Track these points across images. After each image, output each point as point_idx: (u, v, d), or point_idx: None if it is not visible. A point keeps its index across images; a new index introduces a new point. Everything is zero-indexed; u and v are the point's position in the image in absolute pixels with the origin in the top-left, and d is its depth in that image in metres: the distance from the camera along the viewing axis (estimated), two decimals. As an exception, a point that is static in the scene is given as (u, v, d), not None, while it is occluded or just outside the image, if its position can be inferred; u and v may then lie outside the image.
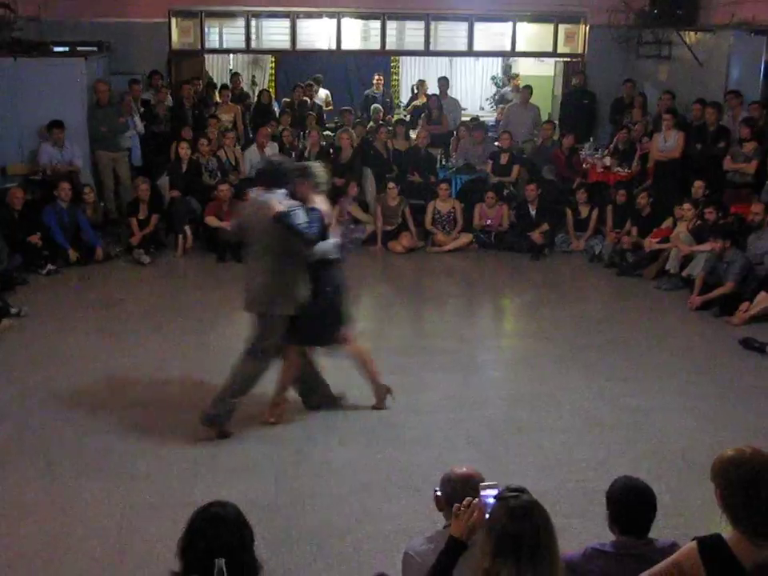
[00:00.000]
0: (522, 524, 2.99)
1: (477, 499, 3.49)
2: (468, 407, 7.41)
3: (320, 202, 6.73)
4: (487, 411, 7.35)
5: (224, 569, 3.14)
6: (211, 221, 11.64)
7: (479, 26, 15.71)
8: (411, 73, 21.82)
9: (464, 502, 3.52)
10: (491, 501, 3.46)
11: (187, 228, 11.97)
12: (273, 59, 20.49)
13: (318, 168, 6.96)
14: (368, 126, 15.21)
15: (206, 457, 6.49)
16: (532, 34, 16.04)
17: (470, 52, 16.27)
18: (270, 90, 18.03)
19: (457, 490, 3.74)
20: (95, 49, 14.10)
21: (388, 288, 11.18)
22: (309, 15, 15.69)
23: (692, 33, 13.47)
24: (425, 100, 16.51)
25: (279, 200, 6.56)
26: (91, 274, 11.15)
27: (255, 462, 6.43)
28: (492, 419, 7.19)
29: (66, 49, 13.98)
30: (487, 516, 3.41)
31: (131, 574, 5.12)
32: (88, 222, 11.55)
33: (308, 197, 6.67)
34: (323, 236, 6.72)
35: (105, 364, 8.22)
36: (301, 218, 6.47)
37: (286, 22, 15.61)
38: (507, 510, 3.03)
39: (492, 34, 16.14)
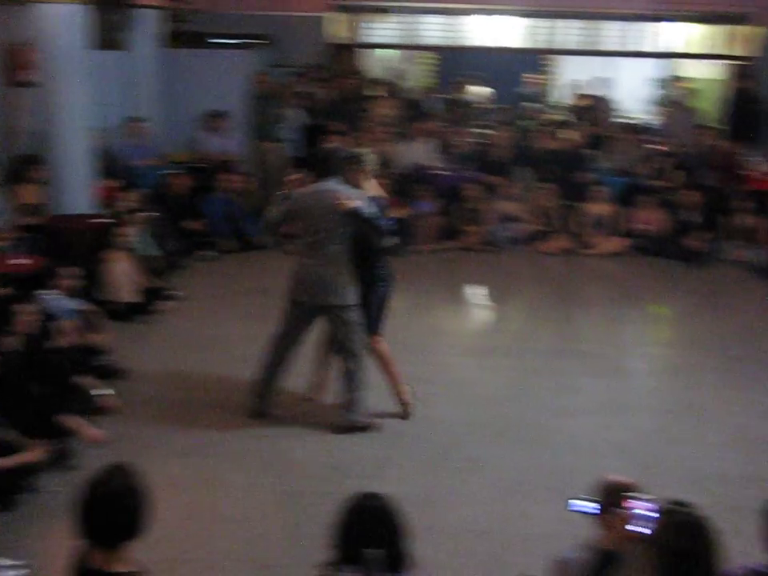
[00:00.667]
0: (689, 540, 2.89)
1: (628, 510, 3.41)
2: (618, 414, 7.27)
3: (373, 188, 6.84)
4: (638, 419, 7.20)
5: (380, 559, 3.16)
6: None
7: (643, 26, 15.37)
8: (567, 72, 21.51)
9: (616, 513, 3.44)
10: (647, 512, 3.38)
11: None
12: (430, 55, 20.51)
13: (370, 155, 6.98)
14: (523, 125, 15.08)
15: (353, 448, 6.56)
16: (699, 35, 15.58)
17: (632, 52, 15.94)
18: (427, 86, 18.02)
19: (611, 499, 3.65)
20: (258, 41, 14.40)
21: (540, 290, 11.04)
22: (468, 12, 15.64)
23: None
24: (582, 100, 16.25)
25: (341, 190, 6.56)
26: (248, 261, 11.41)
27: (403, 456, 6.46)
28: (642, 428, 7.04)
29: (230, 41, 14.32)
30: (642, 529, 3.33)
31: (277, 557, 5.21)
32: (246, 212, 11.82)
33: (360, 184, 6.72)
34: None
35: (258, 349, 8.36)
36: (369, 208, 6.54)
37: (446, 19, 15.60)
38: (675, 526, 2.94)
39: (656, 35, 15.76)
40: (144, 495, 3.20)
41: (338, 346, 6.90)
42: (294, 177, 7.20)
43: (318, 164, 6.84)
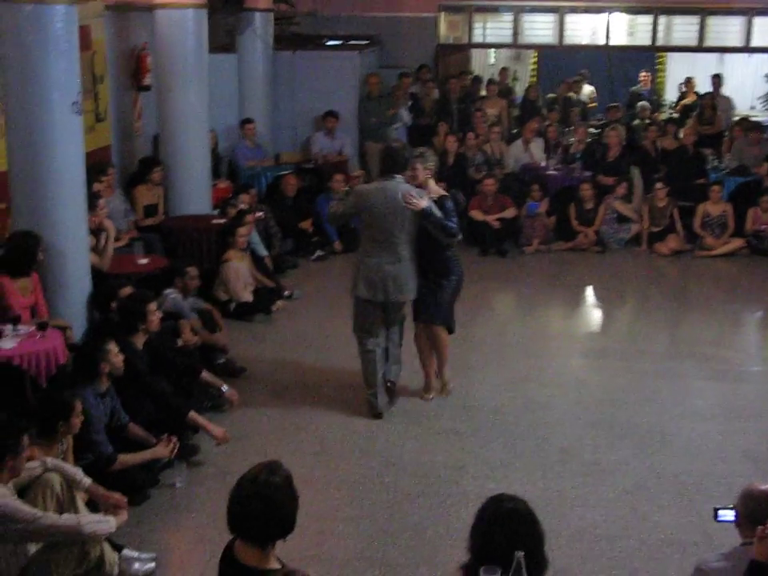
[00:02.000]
0: None
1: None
2: (743, 418, 7.09)
3: (434, 189, 6.90)
4: (764, 424, 7.01)
5: (522, 563, 3.13)
6: (476, 214, 11.69)
7: (758, 21, 14.97)
8: (677, 69, 21.11)
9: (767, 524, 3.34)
10: None
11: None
12: (535, 54, 20.35)
13: (430, 153, 7.20)
14: (634, 124, 14.87)
15: (473, 448, 6.54)
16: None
17: (746, 48, 15.54)
18: (535, 85, 17.89)
19: (761, 508, 3.54)
20: (367, 42, 14.49)
21: (653, 291, 10.83)
22: (575, 10, 15.46)
23: None
24: (694, 98, 15.94)
25: (408, 188, 6.66)
26: (357, 261, 11.45)
27: (522, 458, 6.41)
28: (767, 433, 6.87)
29: (340, 42, 14.44)
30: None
31: (401, 557, 5.21)
32: (356, 211, 11.87)
33: (425, 182, 6.82)
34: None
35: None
36: (436, 209, 6.67)
37: (552, 17, 15.46)
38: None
39: (769, 29, 15.35)
40: (295, 495, 3.23)
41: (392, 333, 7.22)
42: (357, 173, 7.32)
43: (383, 161, 6.93)
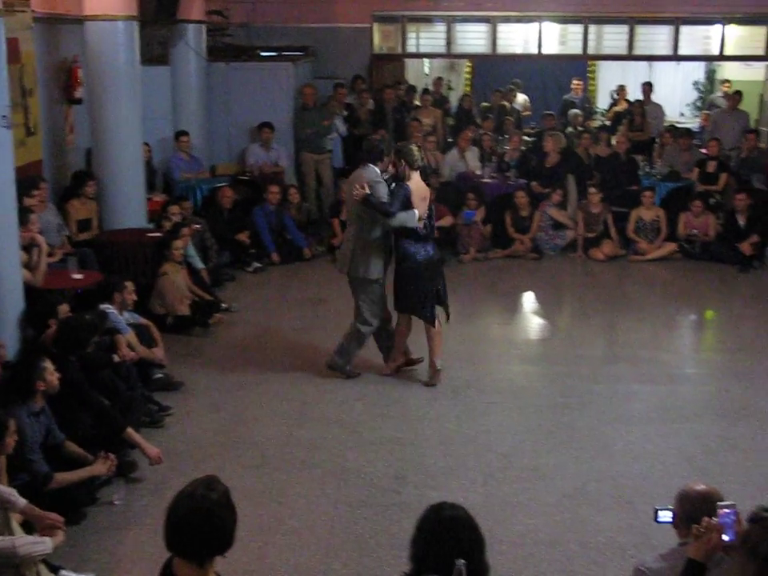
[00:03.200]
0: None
1: (715, 519, 3.35)
2: (679, 420, 7.20)
3: (414, 179, 7.51)
4: (699, 426, 7.11)
5: (464, 570, 3.13)
6: (412, 223, 11.73)
7: (685, 29, 15.25)
8: (608, 77, 21.41)
9: (703, 523, 3.38)
10: (730, 520, 3.33)
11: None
12: (469, 64, 20.50)
13: (413, 148, 7.69)
14: (567, 132, 15.03)
15: (414, 457, 6.55)
16: (741, 37, 15.43)
17: (674, 56, 15.82)
18: (470, 94, 18.01)
19: (696, 508, 3.58)
20: (301, 53, 14.48)
21: (589, 296, 10.95)
22: (508, 20, 15.61)
23: None
24: (625, 105, 16.17)
25: (370, 175, 7.50)
26: (295, 272, 11.43)
27: (463, 465, 6.43)
28: (704, 434, 6.95)
29: (274, 53, 14.40)
30: (726, 537, 3.28)
31: (344, 568, 5.19)
32: (294, 223, 11.85)
33: (406, 174, 7.47)
34: (405, 208, 7.43)
35: (311, 360, 8.40)
36: (382, 192, 7.45)
37: (485, 27, 15.59)
38: (768, 532, 2.89)
39: (698, 37, 15.63)
40: (233, 510, 3.19)
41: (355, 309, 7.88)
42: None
43: (361, 153, 7.81)
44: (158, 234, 9.60)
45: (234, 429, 7.00)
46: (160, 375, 7.65)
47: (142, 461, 6.19)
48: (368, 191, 7.36)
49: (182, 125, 12.39)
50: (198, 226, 10.53)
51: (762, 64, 15.92)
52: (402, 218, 7.43)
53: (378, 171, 7.59)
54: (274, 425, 7.05)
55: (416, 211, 7.45)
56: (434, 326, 7.77)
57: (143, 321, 8.02)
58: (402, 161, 7.49)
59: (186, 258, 9.63)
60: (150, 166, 11.69)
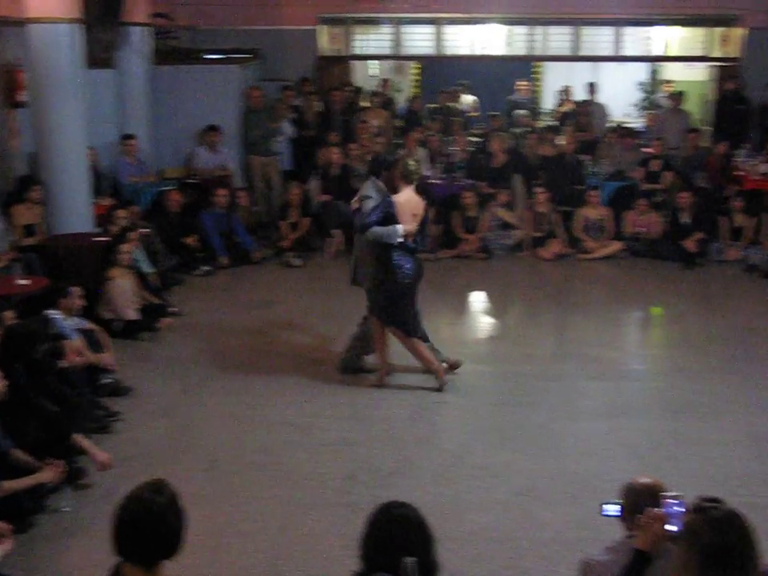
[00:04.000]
0: (729, 535, 2.88)
1: (660, 510, 3.41)
2: (626, 416, 7.29)
3: (405, 193, 7.42)
4: (646, 421, 7.22)
5: (414, 568, 3.15)
6: (361, 225, 11.76)
7: (628, 31, 15.46)
8: (554, 78, 21.60)
9: (648, 513, 3.44)
10: (676, 511, 3.38)
11: (337, 231, 12.12)
12: (416, 65, 20.56)
13: (409, 161, 7.66)
14: (514, 132, 15.13)
15: (365, 457, 6.56)
16: (684, 38, 15.71)
17: (617, 57, 16.03)
18: (416, 96, 18.07)
19: (641, 500, 3.63)
20: (248, 56, 14.43)
21: (536, 294, 11.05)
22: (454, 21, 15.71)
23: None
24: (570, 106, 16.33)
25: (366, 188, 7.71)
26: (244, 275, 11.40)
27: (414, 465, 6.45)
28: (652, 429, 7.05)
29: (221, 56, 14.35)
30: (673, 528, 3.33)
31: (296, 570, 5.19)
32: (242, 227, 11.82)
33: (397, 186, 7.44)
34: (387, 222, 7.33)
35: (260, 363, 8.40)
36: (368, 206, 7.51)
37: (431, 28, 15.68)
38: (710, 522, 2.93)
39: (641, 38, 15.88)
40: (181, 513, 3.18)
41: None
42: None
43: (369, 166, 8.08)
44: (105, 239, 9.52)
45: (183, 433, 6.97)
46: (108, 380, 7.58)
47: (91, 467, 6.14)
48: (359, 204, 7.61)
49: (129, 128, 12.31)
50: (145, 230, 10.47)
51: (704, 64, 16.16)
52: (378, 232, 7.31)
53: (377, 185, 7.67)
54: (224, 428, 7.03)
55: (398, 227, 7.30)
56: (411, 337, 7.73)
57: (91, 326, 7.95)
58: (396, 172, 7.47)
59: (134, 262, 9.56)
60: (97, 171, 11.56)
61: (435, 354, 7.96)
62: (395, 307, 7.58)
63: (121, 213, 10.17)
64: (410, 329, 7.69)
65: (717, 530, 2.91)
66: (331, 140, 13.10)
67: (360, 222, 7.43)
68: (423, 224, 7.57)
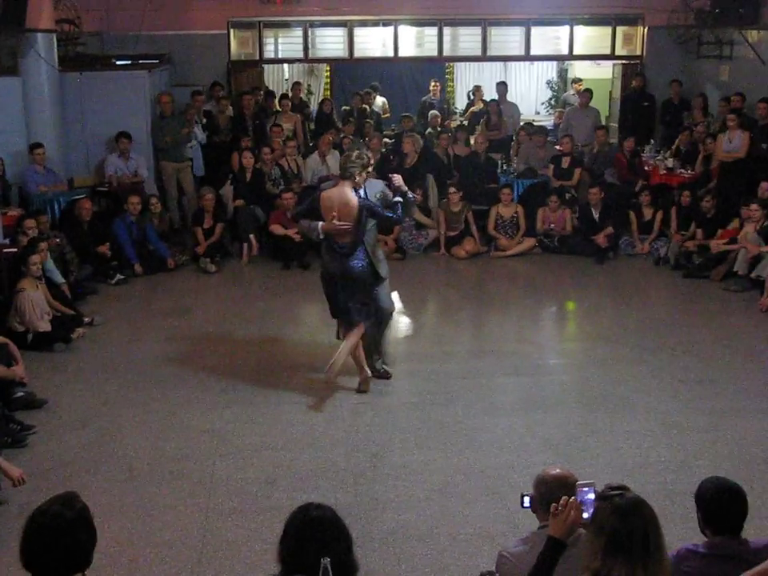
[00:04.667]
0: (633, 521, 2.97)
1: (573, 498, 3.49)
2: (542, 410, 7.41)
3: (335, 189, 7.44)
4: (561, 414, 7.34)
5: (329, 568, 3.17)
6: (276, 229, 11.75)
7: (535, 30, 15.70)
8: (465, 78, 21.85)
9: (561, 501, 3.51)
10: (589, 498, 3.47)
11: (252, 236, 12.07)
12: (328, 68, 20.61)
13: (351, 153, 7.63)
14: (426, 132, 15.26)
15: (284, 461, 6.55)
16: (589, 37, 15.99)
17: (526, 56, 16.27)
18: (329, 98, 18.11)
19: (552, 491, 3.72)
20: (157, 61, 14.30)
21: (452, 293, 11.18)
22: (364, 23, 15.77)
23: (755, 31, 13.34)
24: (482, 105, 16.52)
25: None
26: (159, 283, 11.29)
27: (333, 466, 6.47)
28: (566, 422, 7.18)
29: (129, 62, 14.19)
30: (586, 515, 3.42)
31: (199, 575, 5.18)
32: (156, 233, 11.70)
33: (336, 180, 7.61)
34: (309, 216, 7.54)
35: (176, 370, 8.34)
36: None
37: (342, 31, 15.72)
38: (615, 509, 3.02)
39: (549, 38, 16.12)
40: (91, 528, 3.14)
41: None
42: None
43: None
44: (13, 250, 9.34)
45: (100, 444, 6.87)
46: (21, 394, 7.44)
47: (4, 482, 6.02)
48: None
49: (36, 137, 12.07)
50: (56, 239, 10.31)
51: (610, 62, 16.50)
52: (303, 226, 7.67)
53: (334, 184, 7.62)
54: (141, 438, 6.96)
55: (318, 224, 7.38)
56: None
57: (1, 339, 7.79)
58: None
59: (45, 272, 9.41)
60: (4, 180, 11.38)
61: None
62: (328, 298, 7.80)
63: (30, 223, 9.98)
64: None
65: (622, 517, 3.00)
66: (243, 145, 13.04)
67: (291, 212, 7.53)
68: (358, 228, 7.39)
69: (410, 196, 7.70)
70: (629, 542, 2.96)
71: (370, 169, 7.61)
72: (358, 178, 7.37)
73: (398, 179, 7.56)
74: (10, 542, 5.42)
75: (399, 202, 7.47)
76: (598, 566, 2.98)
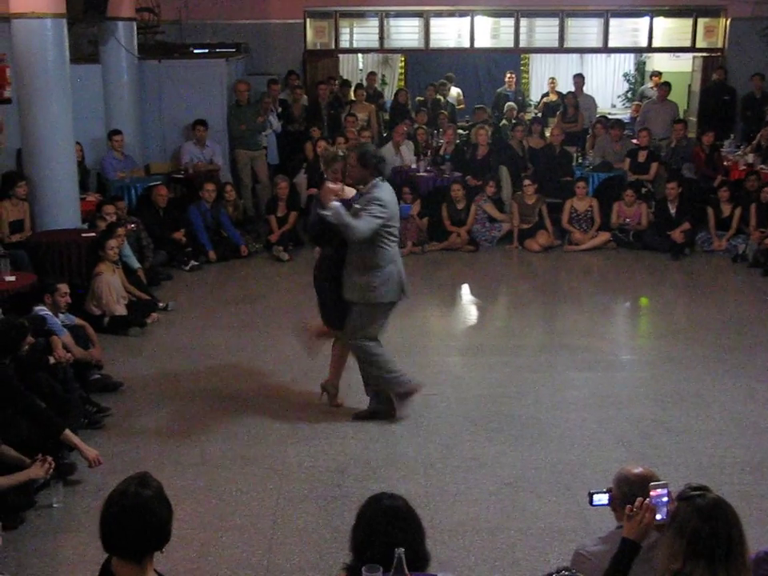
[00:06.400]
0: (715, 523, 2.91)
1: (648, 499, 3.43)
2: (615, 406, 7.32)
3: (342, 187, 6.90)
4: (635, 411, 7.24)
5: (403, 559, 3.16)
6: (348, 218, 11.76)
7: (614, 22, 15.51)
8: (541, 70, 21.68)
9: (636, 503, 3.46)
10: (662, 500, 3.41)
11: (325, 225, 12.08)
12: (402, 58, 20.58)
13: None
14: (501, 124, 15.17)
15: (355, 450, 6.57)
16: (669, 29, 15.76)
17: (604, 48, 16.07)
18: (404, 89, 18.08)
19: (634, 491, 3.64)
20: (234, 50, 14.41)
21: (525, 286, 11.10)
22: (440, 14, 15.73)
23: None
24: (555, 97, 16.37)
25: None
26: (232, 270, 11.38)
27: (403, 457, 6.47)
28: (640, 419, 7.08)
29: (207, 50, 14.32)
30: (659, 516, 3.36)
31: (286, 562, 5.20)
32: (230, 221, 11.80)
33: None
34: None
35: (249, 357, 8.41)
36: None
37: (418, 21, 15.70)
38: (697, 509, 2.96)
39: (627, 30, 15.92)
40: (168, 504, 3.18)
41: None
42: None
43: (378, 166, 6.77)
44: (92, 234, 9.50)
45: (173, 428, 6.96)
46: (98, 376, 7.58)
47: (81, 463, 6.13)
48: None
49: (115, 124, 12.27)
50: (133, 225, 10.45)
51: (689, 55, 16.22)
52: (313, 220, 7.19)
53: None
54: (213, 422, 7.03)
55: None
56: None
57: (79, 322, 7.94)
58: None
59: (122, 257, 9.55)
60: (83, 166, 11.56)
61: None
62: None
63: (109, 208, 10.14)
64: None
65: (704, 518, 2.93)
66: (314, 134, 13.08)
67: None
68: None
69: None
70: (711, 543, 2.90)
71: (338, 166, 6.88)
72: (325, 175, 7.01)
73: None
74: (85, 521, 5.56)
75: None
76: (678, 567, 2.92)
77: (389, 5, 15.45)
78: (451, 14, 15.77)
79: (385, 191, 6.72)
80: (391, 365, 6.96)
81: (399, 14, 15.76)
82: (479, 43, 15.81)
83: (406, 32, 16.00)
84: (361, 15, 15.87)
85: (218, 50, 14.27)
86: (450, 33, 16.04)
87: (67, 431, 6.01)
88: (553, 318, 10.08)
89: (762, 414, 7.15)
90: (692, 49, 15.70)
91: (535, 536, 5.48)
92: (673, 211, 12.06)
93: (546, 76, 19.49)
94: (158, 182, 11.90)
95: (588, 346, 8.76)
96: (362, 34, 16.14)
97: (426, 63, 20.68)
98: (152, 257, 10.80)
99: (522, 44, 15.95)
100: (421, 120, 14.29)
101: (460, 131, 15.00)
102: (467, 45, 15.81)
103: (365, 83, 15.99)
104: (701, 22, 15.40)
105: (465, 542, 5.40)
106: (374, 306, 6.84)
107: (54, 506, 5.73)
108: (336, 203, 6.48)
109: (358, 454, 6.52)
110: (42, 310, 7.42)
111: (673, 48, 16.38)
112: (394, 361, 7.03)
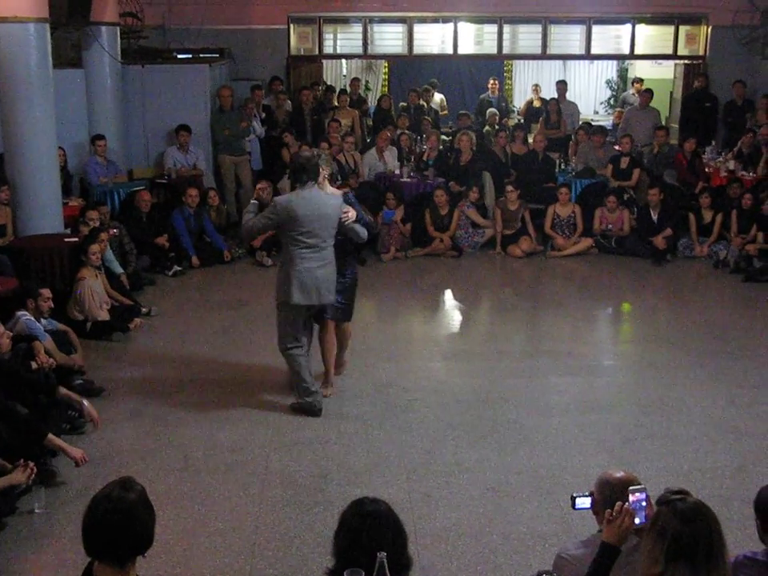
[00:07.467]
0: (696, 526, 2.93)
1: (627, 503, 3.45)
2: (597, 411, 7.35)
3: (329, 188, 7.35)
4: (616, 416, 7.27)
5: (385, 563, 3.17)
6: (332, 223, 11.76)
7: (596, 29, 15.60)
8: (524, 77, 21.77)
9: (615, 507, 3.48)
10: (640, 504, 3.44)
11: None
12: (386, 64, 20.62)
13: (325, 155, 7.89)
14: (484, 130, 15.22)
15: (337, 455, 6.57)
16: (651, 36, 15.86)
17: (587, 55, 16.16)
18: (387, 94, 18.12)
19: (615, 494, 3.66)
20: (217, 55, 14.41)
21: (509, 292, 11.13)
22: (424, 20, 15.78)
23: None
24: (539, 103, 16.43)
25: (338, 202, 7.16)
26: (215, 275, 11.38)
27: (386, 462, 6.47)
28: (622, 424, 7.11)
29: (190, 56, 14.31)
30: (637, 520, 3.38)
31: (269, 568, 5.20)
32: (213, 226, 11.80)
33: (324, 186, 7.24)
34: None
35: (232, 363, 8.40)
36: (361, 212, 7.62)
37: (402, 27, 15.73)
38: (677, 513, 2.98)
39: (610, 37, 16.02)
40: (151, 509, 3.18)
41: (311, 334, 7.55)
42: (263, 185, 7.47)
43: (298, 171, 7.07)
44: (74, 239, 9.48)
45: (155, 433, 6.94)
46: (80, 381, 7.53)
47: (63, 468, 6.12)
48: (354, 212, 7.28)
49: (98, 129, 12.24)
50: (115, 230, 10.43)
51: (671, 62, 16.32)
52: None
53: None
54: (196, 428, 7.02)
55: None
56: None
57: (61, 327, 7.92)
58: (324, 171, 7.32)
59: (105, 262, 9.54)
60: (66, 171, 11.54)
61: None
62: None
63: (92, 214, 10.12)
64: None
65: (684, 521, 2.95)
66: (286, 140, 13.10)
67: (372, 226, 7.82)
68: None
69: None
70: (692, 546, 2.92)
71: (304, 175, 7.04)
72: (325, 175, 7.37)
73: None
74: (67, 526, 5.54)
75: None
76: (659, 571, 2.94)
77: (372, 11, 15.48)
78: (435, 21, 15.82)
79: (297, 198, 6.97)
80: (307, 380, 7.21)
81: (383, 20, 15.79)
82: (462, 49, 15.86)
83: (389, 38, 16.04)
84: (345, 21, 15.90)
85: (201, 56, 14.29)
86: (433, 39, 16.09)
87: (50, 435, 6.00)
88: (535, 324, 10.11)
89: (742, 419, 7.19)
90: (674, 56, 15.81)
91: (517, 540, 5.49)
92: (655, 217, 12.12)
93: (530, 82, 19.55)
94: (141, 187, 11.89)
95: (570, 352, 8.79)
96: (345, 39, 16.18)
97: (409, 69, 20.74)
98: (135, 262, 10.77)
99: (506, 50, 16.02)
100: (401, 123, 14.31)
101: (443, 137, 15.04)
102: (450, 51, 15.86)
103: (348, 89, 16.02)
104: (682, 29, 15.51)
105: (447, 546, 5.40)
106: (284, 307, 7.13)
107: (36, 511, 5.70)
108: (253, 201, 7.44)
109: (341, 459, 6.52)
110: (25, 314, 7.40)
111: (655, 55, 16.48)
112: (310, 376, 7.24)
